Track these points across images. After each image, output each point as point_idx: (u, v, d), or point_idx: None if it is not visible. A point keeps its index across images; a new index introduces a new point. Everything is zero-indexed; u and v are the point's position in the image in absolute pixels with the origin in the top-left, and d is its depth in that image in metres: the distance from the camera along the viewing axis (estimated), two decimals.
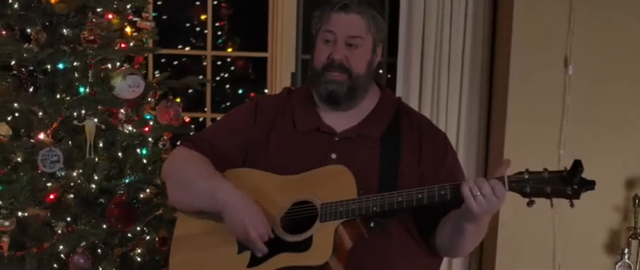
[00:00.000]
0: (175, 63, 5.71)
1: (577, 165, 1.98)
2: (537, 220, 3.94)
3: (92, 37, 3.03)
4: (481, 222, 2.18)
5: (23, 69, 3.10)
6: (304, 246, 2.17)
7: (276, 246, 2.21)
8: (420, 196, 2.12)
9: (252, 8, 5.48)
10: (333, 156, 2.32)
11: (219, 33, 5.75)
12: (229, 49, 5.67)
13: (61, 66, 3.14)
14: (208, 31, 4.83)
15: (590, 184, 2.00)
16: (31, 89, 3.08)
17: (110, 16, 3.24)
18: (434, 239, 2.33)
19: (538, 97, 4.07)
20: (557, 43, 4.01)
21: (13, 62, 3.10)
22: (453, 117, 4.42)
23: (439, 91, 4.40)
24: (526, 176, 2.05)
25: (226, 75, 5.98)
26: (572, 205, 2.02)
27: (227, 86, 5.94)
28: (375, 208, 2.14)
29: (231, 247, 2.28)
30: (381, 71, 4.57)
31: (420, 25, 4.35)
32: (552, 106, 4.05)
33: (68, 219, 3.16)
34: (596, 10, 3.98)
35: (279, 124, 2.42)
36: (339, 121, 2.39)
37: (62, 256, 3.15)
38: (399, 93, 4.45)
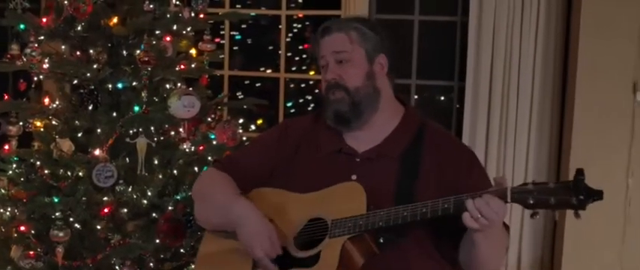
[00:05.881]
0: (258, 85, 5.89)
1: (578, 173, 1.93)
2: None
3: (146, 58, 3.17)
4: (489, 234, 2.11)
5: (85, 88, 3.25)
6: (312, 262, 2.21)
7: (286, 262, 2.25)
8: (423, 210, 2.10)
9: None
10: (354, 177, 2.32)
11: (304, 56, 5.88)
12: (311, 73, 5.79)
13: (120, 85, 3.28)
14: (282, 54, 4.98)
15: (597, 195, 1.93)
16: (90, 107, 3.23)
17: (168, 39, 3.35)
18: (457, 257, 2.30)
19: (605, 124, 3.98)
20: (625, 69, 3.92)
21: (75, 82, 3.27)
22: (521, 144, 4.37)
23: (508, 117, 4.36)
24: (530, 187, 2.00)
25: (309, 98, 6.13)
26: (577, 216, 1.94)
27: (310, 107, 6.07)
28: (380, 223, 2.14)
29: (247, 266, 2.32)
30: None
31: (488, 52, 4.35)
32: (620, 134, 3.95)
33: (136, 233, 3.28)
34: None
35: (304, 147, 2.45)
36: (361, 142, 2.39)
37: (116, 267, 3.27)
38: (466, 118, 4.44)
